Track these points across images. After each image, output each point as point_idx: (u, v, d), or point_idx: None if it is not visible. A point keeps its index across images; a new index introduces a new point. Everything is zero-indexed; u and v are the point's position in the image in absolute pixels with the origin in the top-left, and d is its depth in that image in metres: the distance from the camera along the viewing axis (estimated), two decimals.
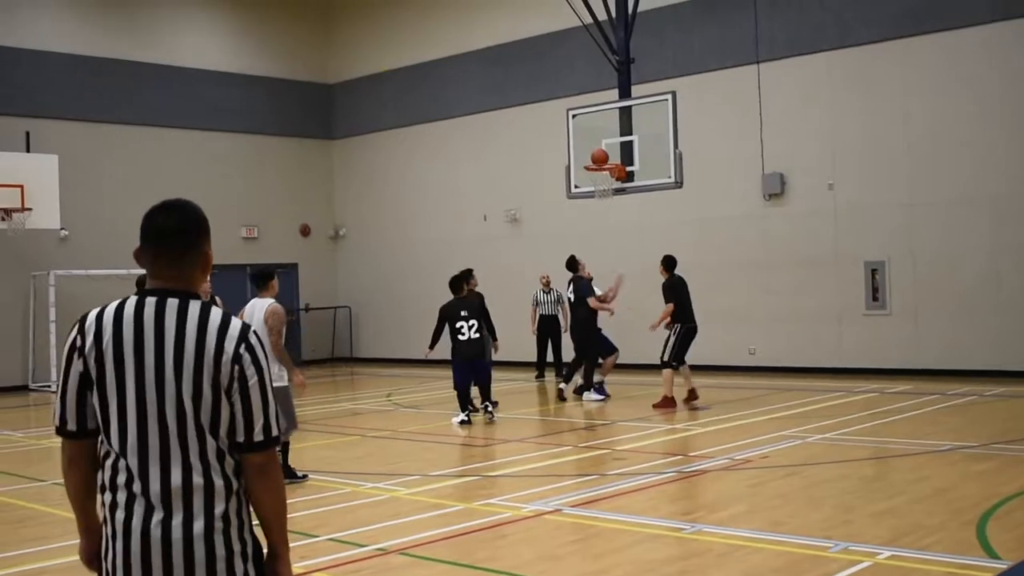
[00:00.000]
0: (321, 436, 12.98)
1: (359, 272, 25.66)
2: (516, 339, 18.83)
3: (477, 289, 15.08)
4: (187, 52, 23.60)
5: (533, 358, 19.23)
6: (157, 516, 2.75)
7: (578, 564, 6.78)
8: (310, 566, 6.68)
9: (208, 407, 2.80)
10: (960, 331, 16.56)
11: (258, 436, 2.86)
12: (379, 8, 25.00)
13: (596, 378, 15.58)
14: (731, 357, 18.79)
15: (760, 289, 18.63)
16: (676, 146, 14.60)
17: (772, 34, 18.42)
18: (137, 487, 2.77)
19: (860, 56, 17.62)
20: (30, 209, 18.70)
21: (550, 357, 19.00)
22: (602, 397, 15.36)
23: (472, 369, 13.60)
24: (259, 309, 9.41)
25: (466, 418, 13.44)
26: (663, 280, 14.66)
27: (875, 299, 17.50)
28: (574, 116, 15.85)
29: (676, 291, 14.51)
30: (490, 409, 13.75)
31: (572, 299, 15.76)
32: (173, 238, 2.89)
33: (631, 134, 15.27)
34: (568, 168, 15.71)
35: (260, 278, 9.71)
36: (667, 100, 14.73)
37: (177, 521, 2.75)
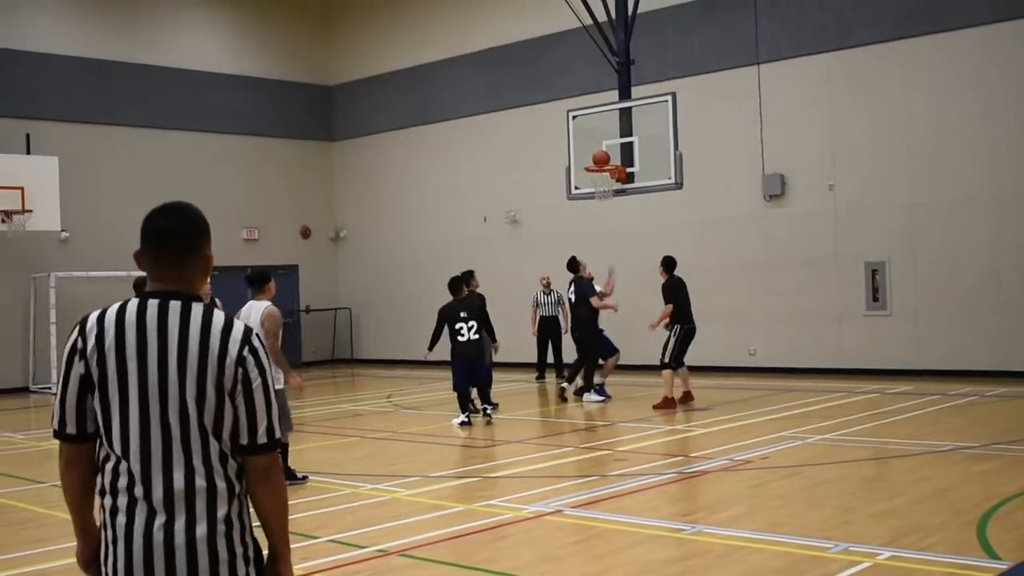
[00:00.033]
0: (321, 437, 12.98)
1: (359, 274, 25.66)
2: (516, 340, 18.82)
3: (479, 290, 15.10)
4: (187, 54, 23.61)
5: (533, 359, 19.24)
6: (159, 520, 2.74)
7: (578, 565, 6.78)
8: (310, 567, 6.67)
9: (211, 409, 2.80)
10: (961, 331, 16.56)
11: (261, 438, 2.86)
12: (379, 9, 25.01)
13: (597, 380, 15.57)
14: (731, 358, 18.79)
15: (761, 290, 18.63)
16: (676, 147, 14.61)
17: (772, 35, 18.42)
18: (139, 491, 2.75)
19: (860, 57, 17.62)
20: (30, 211, 18.71)
21: (550, 358, 19.01)
22: (602, 398, 15.36)
23: (472, 370, 13.60)
24: (255, 312, 9.39)
25: (466, 419, 13.44)
26: (663, 281, 14.67)
27: (875, 299, 17.49)
28: (574, 117, 15.85)
29: (676, 292, 14.52)
30: (488, 412, 13.75)
31: (573, 299, 15.75)
32: (174, 240, 2.89)
33: (631, 135, 15.27)
34: (568, 169, 15.71)
35: (256, 280, 9.68)
36: (667, 101, 14.73)
37: (180, 525, 2.74)
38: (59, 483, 2.99)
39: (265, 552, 2.95)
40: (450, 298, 13.78)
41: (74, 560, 3.01)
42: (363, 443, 12.59)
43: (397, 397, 17.57)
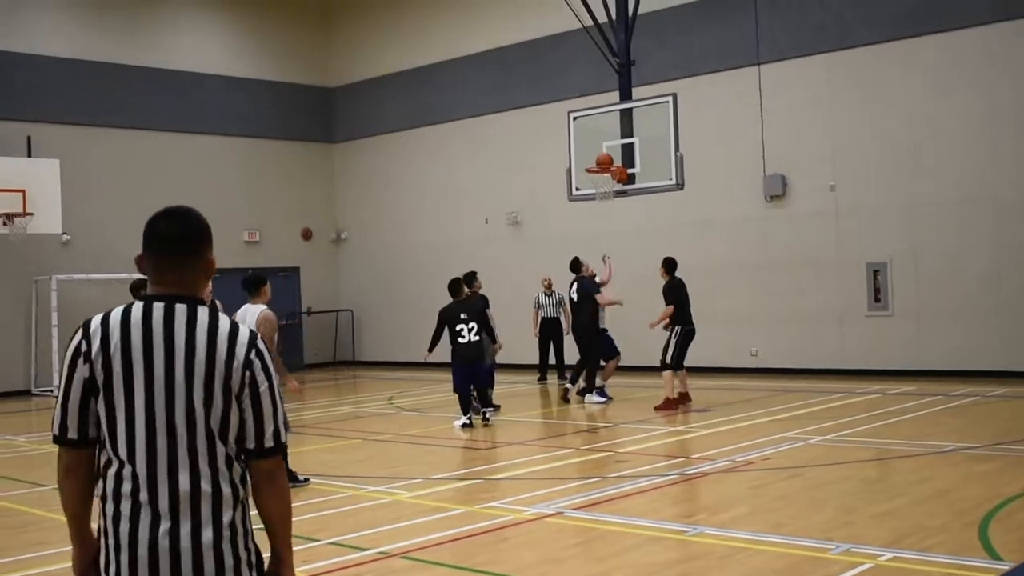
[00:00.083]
0: (323, 440, 12.98)
1: (361, 275, 25.67)
2: (518, 342, 18.82)
3: (481, 291, 15.10)
4: (188, 56, 23.62)
5: (535, 360, 19.23)
6: (164, 525, 2.72)
7: (580, 567, 6.78)
8: (312, 570, 6.68)
9: (219, 413, 2.80)
10: (962, 332, 16.54)
11: (268, 442, 2.87)
12: (380, 11, 25.02)
13: (598, 382, 15.56)
14: (733, 359, 18.79)
15: (762, 291, 18.62)
16: (677, 148, 14.61)
17: (773, 35, 18.42)
18: (144, 496, 2.73)
19: (861, 57, 17.62)
20: (32, 214, 18.74)
21: (552, 359, 19.00)
22: (604, 400, 15.35)
23: (472, 372, 13.60)
24: (251, 315, 9.36)
25: (468, 421, 13.44)
26: (664, 282, 14.66)
27: (877, 300, 17.48)
28: (575, 118, 15.86)
29: (676, 293, 14.52)
30: (487, 416, 13.74)
31: (575, 298, 15.73)
32: (176, 244, 2.90)
33: (632, 136, 15.28)
34: (569, 170, 15.72)
35: (253, 284, 9.64)
36: (668, 102, 14.74)
37: (185, 530, 2.73)
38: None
39: (266, 556, 2.95)
40: (450, 300, 13.79)
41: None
42: (364, 445, 12.59)
43: (398, 399, 17.58)
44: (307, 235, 25.61)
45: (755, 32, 18.46)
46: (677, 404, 14.31)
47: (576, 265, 15.94)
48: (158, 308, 2.83)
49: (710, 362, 18.20)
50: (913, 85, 17.07)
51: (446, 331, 13.66)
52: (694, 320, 14.65)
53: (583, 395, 15.55)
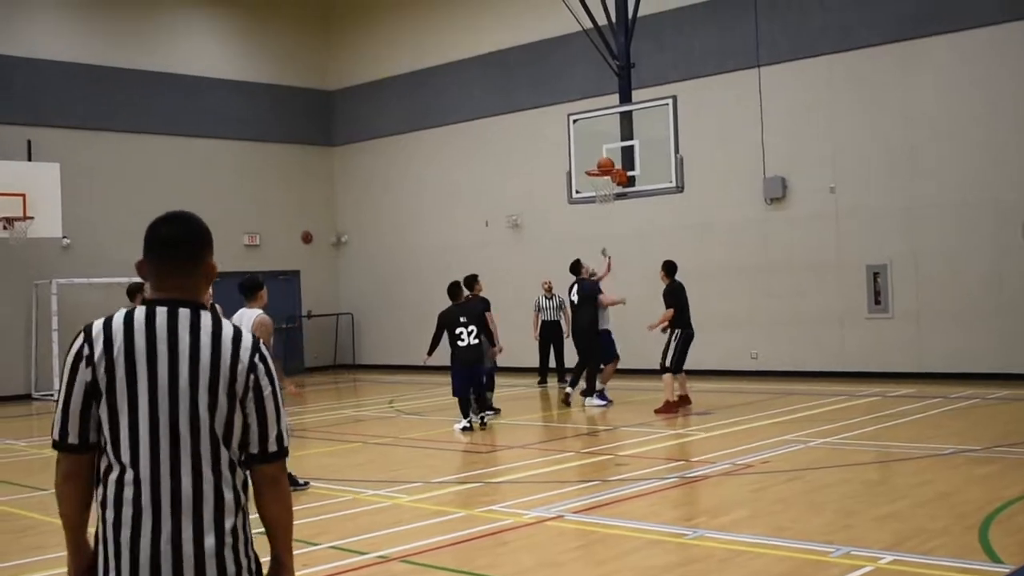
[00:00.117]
0: (323, 443, 12.98)
1: (361, 279, 25.66)
2: (518, 345, 18.81)
3: (482, 294, 15.11)
4: (188, 59, 23.63)
5: (535, 364, 19.23)
6: (166, 531, 2.70)
7: (580, 570, 6.78)
8: (311, 574, 6.67)
9: (223, 417, 2.79)
10: (963, 334, 16.53)
11: (272, 446, 2.88)
12: (379, 14, 25.03)
13: (597, 385, 15.56)
14: (733, 361, 18.78)
15: (762, 293, 18.61)
16: (677, 150, 14.61)
17: (773, 37, 18.42)
18: (146, 501, 2.71)
19: (861, 59, 17.62)
20: (32, 218, 18.74)
21: (552, 363, 19.00)
22: (604, 403, 15.34)
23: (471, 375, 13.59)
24: (247, 319, 9.32)
25: (468, 425, 13.43)
26: (664, 285, 14.66)
27: (877, 302, 17.47)
28: (575, 121, 15.86)
29: (677, 296, 14.51)
30: (484, 419, 13.73)
31: (576, 301, 15.72)
32: (178, 249, 2.90)
33: (632, 139, 15.28)
34: (569, 173, 15.72)
35: (249, 288, 9.61)
36: (668, 104, 14.74)
37: (188, 536, 2.71)
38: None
39: (264, 559, 2.94)
40: (449, 303, 13.78)
41: None
42: (364, 449, 12.58)
43: (399, 402, 17.57)
44: (307, 238, 25.61)
45: (755, 34, 18.47)
46: (677, 407, 14.31)
47: (576, 267, 15.95)
48: (161, 312, 2.83)
49: (710, 365, 18.20)
50: (913, 87, 17.07)
51: (446, 334, 13.66)
52: (693, 323, 14.65)
53: (586, 396, 15.52)
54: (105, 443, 2.78)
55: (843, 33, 17.77)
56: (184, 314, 2.83)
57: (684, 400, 14.57)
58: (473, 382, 13.70)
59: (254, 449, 2.87)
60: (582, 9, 16.77)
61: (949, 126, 16.71)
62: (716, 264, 18.83)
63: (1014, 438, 10.91)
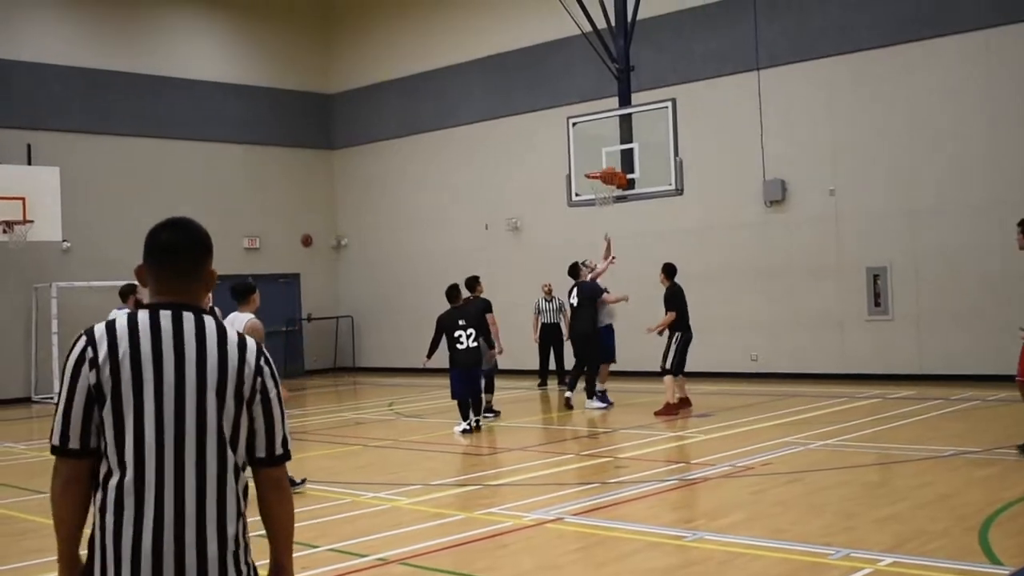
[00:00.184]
0: (323, 446, 12.98)
1: (361, 282, 25.67)
2: (518, 348, 18.81)
3: (483, 296, 15.13)
4: (187, 63, 23.64)
5: (535, 366, 19.23)
6: (169, 537, 2.68)
7: (579, 573, 6.77)
8: None
9: (230, 420, 2.79)
10: (963, 336, 16.53)
11: (279, 449, 2.89)
12: (379, 18, 25.05)
13: (597, 387, 15.56)
14: (733, 364, 18.78)
15: (762, 295, 18.61)
16: (676, 153, 14.62)
17: (772, 40, 18.43)
18: (149, 506, 2.69)
19: (860, 61, 17.62)
20: (32, 221, 18.74)
21: (552, 365, 19.01)
22: (604, 405, 15.33)
23: (470, 378, 13.58)
24: (239, 324, 9.22)
25: (468, 427, 13.43)
26: (664, 288, 14.65)
27: (877, 305, 17.48)
28: (574, 124, 15.87)
29: (677, 300, 14.51)
30: (479, 421, 13.71)
31: (575, 303, 15.73)
32: (179, 255, 2.90)
33: (631, 142, 15.29)
34: (569, 176, 15.73)
35: (241, 292, 9.51)
36: (667, 107, 14.75)
37: (191, 543, 2.70)
38: None
39: (260, 563, 2.94)
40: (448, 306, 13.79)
41: None
42: (364, 451, 12.58)
43: (399, 405, 17.57)
44: (307, 241, 25.62)
45: (754, 37, 18.48)
46: (677, 409, 14.30)
47: (575, 270, 15.96)
48: (165, 316, 2.82)
49: (710, 367, 18.20)
50: (912, 89, 17.08)
51: (445, 337, 13.65)
52: (692, 326, 14.64)
53: (592, 395, 15.48)
54: (107, 448, 2.74)
55: (842, 35, 17.79)
56: (188, 318, 2.83)
57: (684, 402, 14.58)
58: (473, 385, 13.69)
59: (261, 453, 2.87)
60: (581, 12, 16.79)
61: (948, 128, 16.71)
62: (716, 267, 18.83)
63: (1014, 440, 10.88)
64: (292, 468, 9.76)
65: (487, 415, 14.57)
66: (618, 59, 16.62)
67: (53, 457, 2.81)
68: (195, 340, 2.80)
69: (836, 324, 17.87)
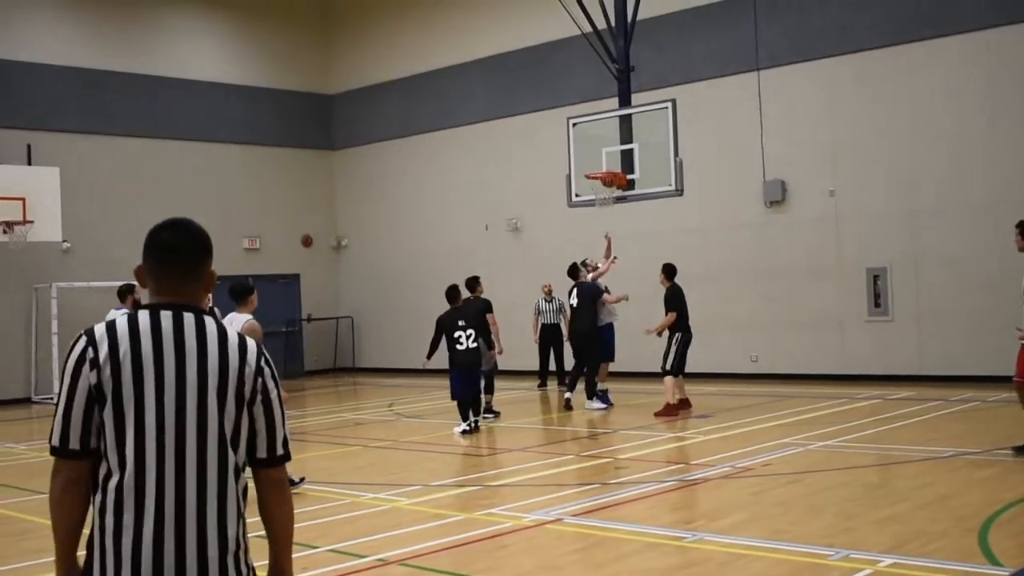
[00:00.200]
0: (323, 446, 12.97)
1: (361, 282, 25.66)
2: (518, 348, 18.80)
3: (483, 296, 15.14)
4: (188, 64, 23.64)
5: (535, 367, 19.23)
6: (170, 538, 2.67)
7: (579, 574, 6.77)
8: None
9: (231, 420, 2.79)
10: (963, 337, 16.53)
11: (280, 450, 2.90)
12: (379, 18, 25.05)
13: (599, 387, 15.57)
14: (733, 364, 18.77)
15: (762, 296, 18.61)
16: (676, 154, 14.62)
17: (772, 41, 18.43)
18: (150, 507, 2.68)
19: (860, 62, 17.62)
20: (32, 222, 18.73)
21: (552, 366, 19.01)
22: (604, 406, 15.33)
23: (470, 378, 13.58)
24: (236, 324, 9.18)
25: (468, 428, 13.43)
26: (665, 288, 14.64)
27: (877, 305, 17.47)
28: (574, 124, 15.87)
29: (678, 300, 14.51)
30: (477, 422, 13.72)
31: (575, 304, 15.73)
32: (180, 255, 2.90)
33: (631, 142, 15.29)
34: (569, 177, 15.72)
35: (239, 292, 9.47)
36: (667, 108, 14.75)
37: (192, 543, 2.69)
38: None
39: (257, 565, 2.93)
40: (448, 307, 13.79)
41: None
42: (364, 452, 12.58)
43: (399, 406, 17.57)
44: (307, 242, 25.61)
45: (754, 37, 18.48)
46: (677, 410, 14.30)
47: (574, 271, 15.97)
48: (166, 317, 2.82)
49: (710, 368, 18.19)
50: (913, 90, 17.07)
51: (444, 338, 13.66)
52: (692, 326, 14.64)
53: (596, 395, 15.49)
54: (106, 449, 2.73)
55: (842, 36, 17.78)
56: (189, 318, 2.83)
57: (684, 403, 14.57)
58: (472, 385, 13.70)
59: (262, 454, 2.87)
60: (582, 13, 16.79)
61: (948, 129, 16.71)
62: (716, 267, 18.83)
63: (1014, 441, 10.86)
64: (290, 467, 9.79)
65: (487, 416, 14.59)
66: (618, 59, 16.62)
67: (52, 458, 2.80)
68: (196, 341, 2.79)
69: (836, 325, 17.86)
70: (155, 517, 2.68)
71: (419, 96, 24.07)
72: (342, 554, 7.32)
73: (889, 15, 17.32)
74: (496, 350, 14.74)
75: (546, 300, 18.85)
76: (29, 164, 20.21)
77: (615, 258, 16.14)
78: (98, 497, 2.74)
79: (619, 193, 15.21)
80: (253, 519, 2.87)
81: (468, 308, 14.04)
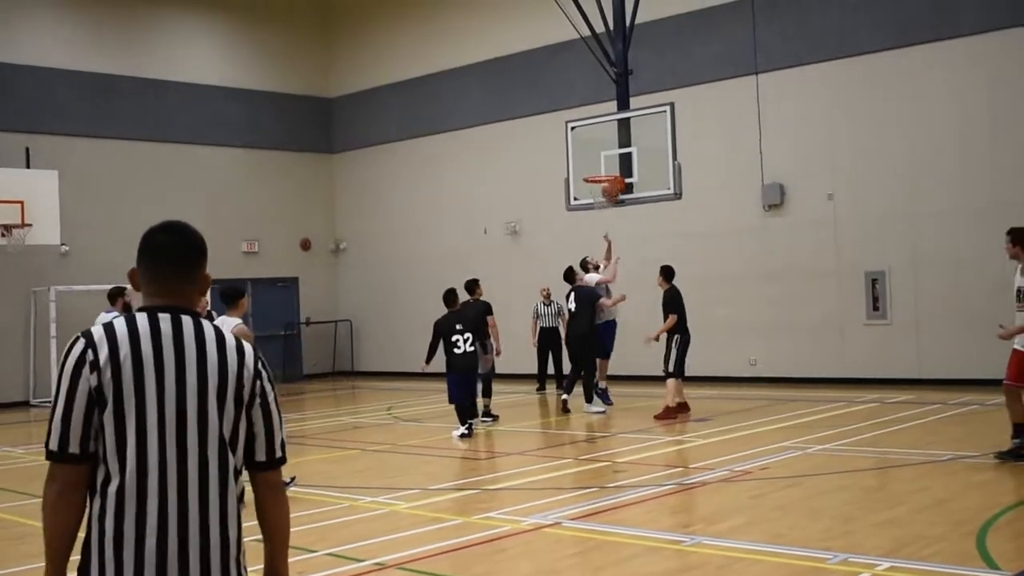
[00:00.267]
0: (321, 450, 12.96)
1: (360, 286, 25.66)
2: (517, 352, 18.80)
3: (482, 298, 15.14)
4: (187, 67, 23.65)
5: (534, 370, 19.22)
6: (173, 541, 2.67)
7: None
8: None
9: (231, 423, 2.79)
10: (961, 341, 16.51)
11: (278, 452, 2.91)
12: (379, 22, 25.06)
13: (601, 386, 15.59)
14: (732, 368, 18.77)
15: (761, 299, 18.61)
16: (675, 157, 14.61)
17: (771, 44, 18.44)
18: (153, 511, 2.66)
19: (859, 65, 17.63)
20: (30, 225, 18.71)
21: (551, 369, 19.00)
22: (603, 409, 15.32)
23: (468, 382, 13.57)
24: (226, 328, 9.19)
25: (466, 431, 13.42)
26: (663, 290, 14.63)
27: (876, 309, 17.47)
28: (573, 128, 15.87)
29: (677, 303, 14.50)
30: (472, 426, 13.71)
31: (573, 308, 15.74)
32: (175, 258, 2.90)
33: (630, 146, 15.27)
34: (567, 180, 15.72)
35: (230, 296, 9.44)
36: (665, 111, 14.74)
37: (194, 546, 2.69)
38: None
39: (254, 568, 2.93)
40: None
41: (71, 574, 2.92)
42: (363, 455, 12.57)
43: (397, 409, 17.55)
44: (306, 245, 25.61)
45: (753, 41, 18.49)
46: (676, 413, 14.30)
47: (570, 275, 15.99)
48: (164, 319, 2.81)
49: (709, 371, 18.18)
50: (912, 93, 17.08)
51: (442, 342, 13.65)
52: (690, 329, 14.64)
53: (598, 395, 15.49)
54: (106, 452, 2.70)
55: (841, 39, 17.80)
56: (187, 321, 2.83)
57: (683, 407, 14.56)
58: (470, 389, 13.69)
59: (261, 456, 2.88)
60: (580, 16, 16.79)
61: (948, 132, 16.72)
62: (714, 271, 18.82)
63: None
64: (293, 472, 9.80)
65: (485, 419, 14.59)
66: (617, 63, 16.62)
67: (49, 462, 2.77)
68: (195, 344, 2.79)
69: (835, 328, 17.86)
70: (158, 521, 2.67)
71: (419, 99, 24.08)
72: (340, 558, 7.32)
73: (889, 18, 17.33)
74: (495, 351, 14.75)
75: (544, 304, 18.85)
76: (28, 167, 20.18)
77: (618, 258, 16.14)
78: (96, 502, 2.72)
79: (617, 197, 15.20)
80: (247, 523, 2.87)
81: (466, 311, 14.04)
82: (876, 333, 17.45)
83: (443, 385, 14.11)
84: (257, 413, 2.85)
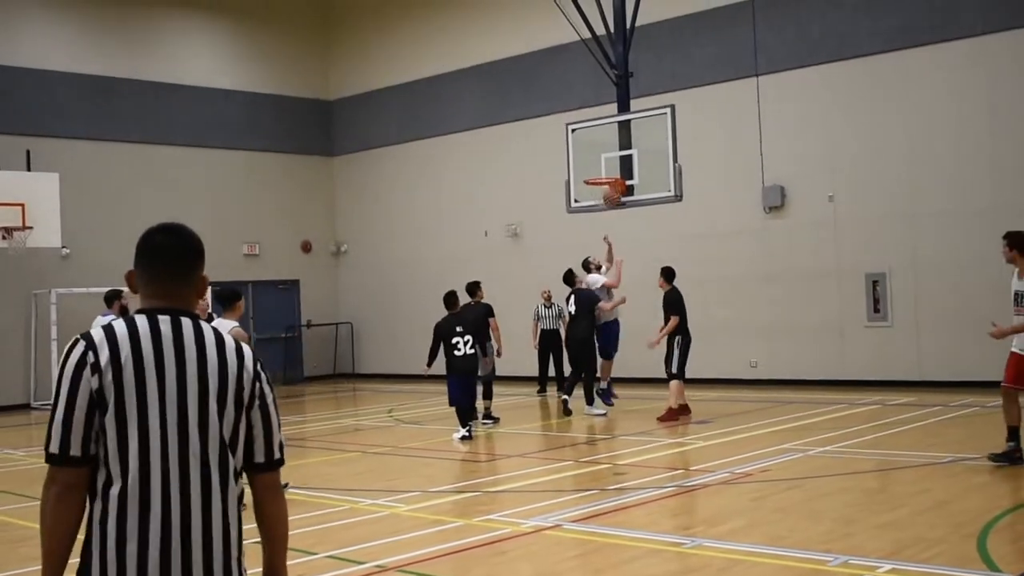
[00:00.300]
0: (322, 452, 12.96)
1: (360, 288, 25.66)
2: (518, 354, 18.80)
3: (483, 300, 15.14)
4: (187, 69, 23.66)
5: (535, 373, 19.22)
6: (176, 544, 2.67)
7: None
8: None
9: (231, 424, 2.80)
10: (962, 342, 16.50)
11: (276, 454, 2.92)
12: (379, 24, 25.07)
13: (602, 385, 15.60)
14: (732, 370, 18.76)
15: (761, 301, 18.61)
16: (675, 159, 14.60)
17: (771, 46, 18.45)
18: (155, 513, 2.66)
19: (860, 68, 17.63)
20: (31, 227, 18.73)
21: (552, 371, 19.00)
22: (604, 411, 15.31)
23: (468, 384, 13.57)
24: (223, 330, 9.16)
25: (467, 434, 13.42)
26: (664, 292, 14.63)
27: (876, 311, 17.47)
28: (573, 130, 15.86)
29: (678, 304, 14.50)
30: (471, 429, 13.71)
31: (573, 311, 15.74)
32: (173, 259, 2.90)
33: (630, 148, 15.27)
34: (568, 183, 15.71)
35: (227, 298, 9.42)
36: (666, 114, 14.73)
37: (197, 548, 2.69)
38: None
39: (253, 571, 2.93)
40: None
41: None
42: (363, 458, 12.57)
43: (398, 411, 17.55)
44: (306, 248, 25.62)
45: (753, 43, 18.49)
46: (678, 414, 14.30)
47: (570, 278, 15.99)
48: (164, 321, 2.81)
49: (709, 373, 18.17)
50: (912, 95, 17.09)
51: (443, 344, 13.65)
52: (690, 331, 14.65)
53: (598, 397, 15.50)
54: (107, 455, 2.70)
55: (841, 41, 17.80)
56: (187, 323, 2.83)
57: (684, 409, 14.55)
58: (471, 391, 13.69)
59: (260, 458, 2.88)
60: (581, 19, 16.79)
61: (947, 134, 16.72)
62: (715, 273, 18.82)
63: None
64: (293, 476, 9.78)
65: (485, 421, 14.59)
66: (617, 65, 16.62)
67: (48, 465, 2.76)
68: (195, 345, 2.80)
69: (835, 330, 17.86)
70: (161, 523, 2.67)
71: (419, 101, 24.09)
72: (340, 560, 7.31)
73: (888, 21, 17.33)
74: (496, 352, 14.77)
75: (545, 306, 18.85)
76: (28, 170, 20.20)
77: (621, 260, 16.13)
78: (97, 505, 2.71)
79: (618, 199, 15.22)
80: (247, 524, 2.87)
81: (467, 313, 14.05)
82: (877, 335, 17.45)
83: (443, 387, 14.11)
84: (256, 415, 2.86)
